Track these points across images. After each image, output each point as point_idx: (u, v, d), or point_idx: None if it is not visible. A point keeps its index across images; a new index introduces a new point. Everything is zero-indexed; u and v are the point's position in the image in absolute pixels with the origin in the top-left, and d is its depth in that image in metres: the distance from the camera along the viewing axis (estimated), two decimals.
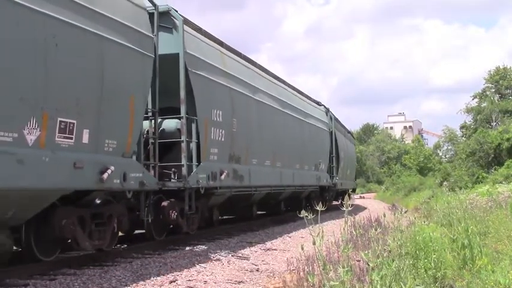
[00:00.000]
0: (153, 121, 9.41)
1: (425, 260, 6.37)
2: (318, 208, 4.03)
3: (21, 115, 6.15)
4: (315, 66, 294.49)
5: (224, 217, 16.08)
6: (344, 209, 4.06)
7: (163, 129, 10.09)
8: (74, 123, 6.97)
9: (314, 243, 3.92)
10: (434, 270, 6.17)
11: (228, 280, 7.27)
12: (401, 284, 4.23)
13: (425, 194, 29.62)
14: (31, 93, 6.27)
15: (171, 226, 10.69)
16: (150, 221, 9.38)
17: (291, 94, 18.23)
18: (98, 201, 8.34)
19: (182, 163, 10.00)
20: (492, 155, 32.08)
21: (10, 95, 6.00)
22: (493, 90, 52.78)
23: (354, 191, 34.20)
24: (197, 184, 10.32)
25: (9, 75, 6.01)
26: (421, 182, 44.94)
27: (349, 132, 34.85)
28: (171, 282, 7.00)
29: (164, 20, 9.95)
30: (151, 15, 9.23)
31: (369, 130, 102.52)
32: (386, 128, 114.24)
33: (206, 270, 8.00)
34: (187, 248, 10.18)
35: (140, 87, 8.59)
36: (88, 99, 7.27)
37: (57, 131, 6.67)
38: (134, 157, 8.66)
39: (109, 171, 7.52)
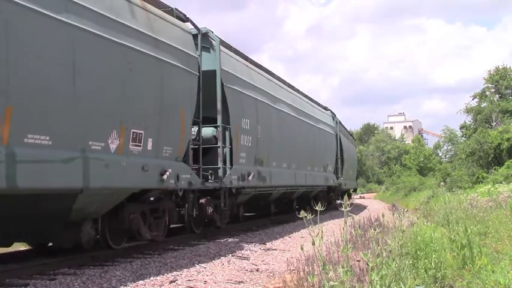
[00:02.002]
0: (196, 129, 10.79)
1: (425, 260, 6.37)
2: (317, 208, 4.03)
3: (107, 128, 7.57)
4: (316, 65, 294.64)
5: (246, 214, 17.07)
6: (343, 209, 4.05)
7: (201, 136, 11.15)
8: (142, 133, 8.40)
9: (313, 244, 3.92)
10: (434, 270, 6.17)
11: (228, 280, 7.27)
12: (401, 284, 4.23)
13: (425, 194, 29.62)
14: (114, 110, 7.70)
15: (206, 220, 11.84)
16: (194, 215, 10.78)
17: (303, 101, 19.89)
18: (152, 199, 9.63)
19: (219, 166, 11.43)
20: (492, 155, 32.04)
21: (100, 112, 7.42)
22: (493, 90, 52.72)
23: (355, 190, 35.99)
24: (230, 184, 11.79)
25: (100, 95, 7.39)
26: (421, 182, 44.94)
27: (350, 134, 36.28)
28: (171, 282, 7.01)
29: (203, 40, 11.36)
30: (194, 36, 10.70)
31: (369, 130, 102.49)
32: (387, 128, 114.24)
33: (206, 270, 8.02)
34: (187, 248, 10.18)
35: (189, 101, 10.02)
36: (152, 113, 8.71)
37: (130, 140, 8.11)
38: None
39: (167, 173, 8.93)
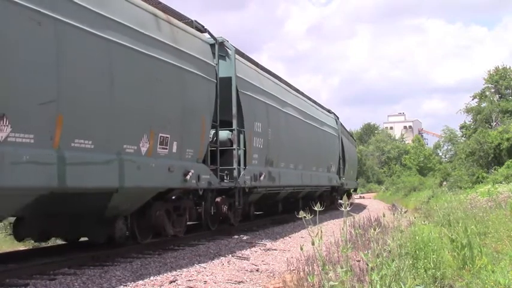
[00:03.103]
0: (214, 132, 11.52)
1: (425, 260, 6.37)
2: (316, 208, 4.03)
3: (139, 133, 8.31)
4: (317, 65, 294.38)
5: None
6: (343, 209, 4.05)
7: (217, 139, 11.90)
8: (168, 137, 9.12)
9: (313, 244, 3.92)
10: (434, 270, 6.17)
11: (228, 280, 7.27)
12: (401, 284, 4.23)
13: (425, 194, 29.62)
14: (145, 116, 8.44)
15: (221, 218, 12.51)
16: (212, 213, 11.57)
17: (309, 105, 20.83)
18: (173, 197, 10.29)
19: (234, 167, 12.15)
20: (492, 155, 32.04)
21: (133, 119, 8.14)
22: (493, 90, 52.69)
23: (355, 190, 36.61)
24: (244, 184, 12.52)
25: (133, 103, 8.13)
26: (421, 182, 44.91)
27: (351, 134, 36.95)
28: (171, 282, 7.01)
29: (220, 49, 12.07)
30: (211, 45, 11.48)
31: (369, 130, 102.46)
32: (386, 128, 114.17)
33: (206, 270, 8.01)
34: (187, 248, 10.19)
35: (207, 106, 10.81)
36: (176, 118, 9.45)
37: (158, 144, 8.82)
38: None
39: (190, 173, 9.66)
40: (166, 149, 9.06)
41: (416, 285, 4.66)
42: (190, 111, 9.94)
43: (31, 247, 10.60)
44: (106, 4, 7.70)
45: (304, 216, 3.93)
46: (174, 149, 9.32)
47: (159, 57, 8.86)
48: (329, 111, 25.92)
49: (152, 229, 9.85)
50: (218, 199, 11.88)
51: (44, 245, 10.34)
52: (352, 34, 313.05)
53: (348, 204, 4.03)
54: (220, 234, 12.47)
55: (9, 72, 5.94)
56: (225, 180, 11.85)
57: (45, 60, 6.44)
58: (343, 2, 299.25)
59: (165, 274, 7.53)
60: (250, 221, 15.38)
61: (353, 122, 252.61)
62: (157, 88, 8.80)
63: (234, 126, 12.27)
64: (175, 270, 7.86)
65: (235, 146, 12.26)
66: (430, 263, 6.25)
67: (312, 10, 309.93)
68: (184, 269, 7.99)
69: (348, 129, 36.45)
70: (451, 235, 7.33)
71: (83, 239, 9.93)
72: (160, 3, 9.78)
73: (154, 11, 9.24)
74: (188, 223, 11.42)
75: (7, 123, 5.85)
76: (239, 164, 12.35)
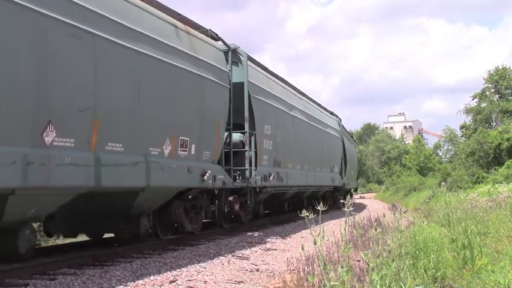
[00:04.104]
0: (227, 134, 12.18)
1: (425, 260, 6.37)
2: (318, 208, 4.03)
3: (163, 136, 9.01)
4: (317, 65, 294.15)
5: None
6: (345, 209, 4.04)
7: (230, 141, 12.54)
8: (187, 140, 9.79)
9: (315, 243, 3.92)
10: (434, 270, 6.17)
11: (228, 280, 7.27)
12: (401, 284, 4.23)
13: (425, 194, 29.59)
14: (167, 120, 9.12)
15: (232, 216, 13.24)
16: (226, 211, 12.27)
17: (313, 107, 21.69)
18: (190, 197, 10.85)
19: (246, 167, 12.85)
20: (492, 155, 32.03)
21: (158, 123, 8.81)
22: (493, 90, 52.67)
23: (356, 190, 37.27)
24: (255, 184, 13.22)
25: (157, 109, 8.79)
26: (421, 182, 44.86)
27: (351, 135, 37.74)
28: (171, 282, 7.01)
29: (233, 56, 12.79)
30: (225, 53, 12.21)
31: (369, 130, 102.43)
32: (387, 128, 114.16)
33: (206, 270, 8.02)
34: (187, 248, 10.19)
35: (222, 110, 11.53)
36: (195, 122, 10.14)
37: (179, 146, 9.50)
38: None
39: (207, 174, 10.35)
40: (186, 151, 9.73)
41: (416, 285, 4.66)
42: (207, 115, 10.64)
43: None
44: (133, 17, 8.34)
45: (307, 215, 3.93)
46: (193, 151, 10.01)
47: (180, 65, 9.53)
48: (332, 113, 26.72)
49: (172, 226, 10.57)
50: (231, 198, 12.54)
51: (51, 243, 10.45)
52: (352, 34, 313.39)
53: (350, 204, 4.02)
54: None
55: (55, 83, 6.59)
56: (237, 180, 12.49)
57: (84, 71, 7.11)
58: (344, 1, 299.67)
59: (165, 274, 7.54)
60: (260, 219, 16.13)
61: (353, 122, 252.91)
62: (178, 94, 9.51)
63: (246, 129, 12.95)
64: (175, 270, 7.88)
65: (247, 148, 12.94)
66: (430, 263, 6.24)
67: (313, 10, 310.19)
68: (184, 269, 8.00)
69: (348, 130, 37.07)
70: (451, 235, 7.33)
71: (106, 235, 10.60)
72: (180, 15, 10.45)
73: (174, 22, 9.88)
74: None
75: (52, 128, 6.50)
76: (250, 165, 13.04)
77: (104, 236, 10.57)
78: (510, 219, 9.77)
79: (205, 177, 10.30)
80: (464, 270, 6.34)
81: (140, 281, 6.99)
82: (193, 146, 9.99)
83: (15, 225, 6.91)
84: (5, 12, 5.90)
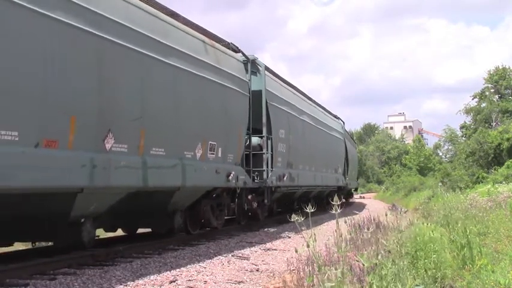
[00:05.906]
0: (247, 138, 13.33)
1: (425, 260, 6.37)
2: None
3: (195, 141, 10.15)
4: (318, 65, 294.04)
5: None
6: (333, 211, 3.99)
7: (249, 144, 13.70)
8: (215, 144, 10.91)
9: (308, 247, 3.95)
10: (434, 271, 6.17)
11: (228, 280, 7.28)
12: (399, 285, 4.23)
13: (425, 194, 29.58)
14: (200, 127, 10.28)
15: (250, 214, 14.33)
16: (246, 209, 13.46)
17: (320, 111, 23.20)
18: (214, 195, 11.81)
19: (264, 169, 14.06)
20: (492, 155, 32.12)
21: (192, 129, 9.96)
22: (492, 90, 52.69)
23: (356, 189, 39.20)
24: (271, 184, 14.47)
25: (191, 116, 9.94)
26: (421, 182, 44.84)
27: (351, 136, 39.43)
28: (171, 282, 7.01)
29: (252, 66, 14.02)
30: (245, 64, 13.44)
31: (369, 130, 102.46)
32: (387, 128, 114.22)
33: (206, 270, 8.02)
34: (187, 248, 10.20)
35: (243, 116, 12.79)
36: (221, 128, 11.26)
37: (208, 149, 10.60)
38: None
39: (232, 175, 11.46)
40: (214, 154, 10.84)
41: (416, 285, 4.66)
42: (231, 121, 11.81)
43: (30, 247, 10.61)
44: (171, 35, 9.42)
45: (297, 220, 3.95)
46: (220, 154, 11.13)
47: (208, 77, 10.62)
48: (336, 116, 28.43)
49: (200, 222, 11.63)
50: (249, 197, 13.58)
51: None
52: (353, 34, 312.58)
53: (338, 205, 3.98)
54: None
55: (113, 97, 7.69)
56: (256, 180, 13.70)
57: (134, 87, 8.19)
58: (345, 1, 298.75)
59: (165, 274, 7.54)
60: (274, 217, 17.26)
61: (353, 122, 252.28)
62: (207, 103, 10.60)
63: (264, 133, 14.15)
64: (175, 270, 7.88)
65: (264, 151, 14.14)
66: (430, 263, 6.24)
67: (314, 9, 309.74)
68: (184, 269, 8.00)
69: (348, 130, 37.81)
70: (450, 235, 7.33)
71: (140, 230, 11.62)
72: (207, 31, 11.47)
73: (202, 38, 10.98)
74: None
75: (111, 136, 7.58)
76: (267, 166, 14.25)
77: (137, 231, 11.67)
78: (510, 219, 9.79)
79: (230, 178, 11.40)
80: (464, 270, 6.34)
81: (140, 281, 7.00)
82: (220, 149, 11.10)
83: (79, 219, 7.93)
84: (80, 42, 7.07)
